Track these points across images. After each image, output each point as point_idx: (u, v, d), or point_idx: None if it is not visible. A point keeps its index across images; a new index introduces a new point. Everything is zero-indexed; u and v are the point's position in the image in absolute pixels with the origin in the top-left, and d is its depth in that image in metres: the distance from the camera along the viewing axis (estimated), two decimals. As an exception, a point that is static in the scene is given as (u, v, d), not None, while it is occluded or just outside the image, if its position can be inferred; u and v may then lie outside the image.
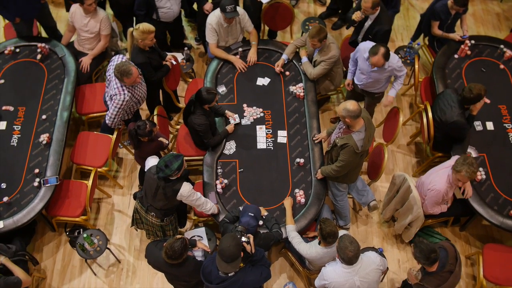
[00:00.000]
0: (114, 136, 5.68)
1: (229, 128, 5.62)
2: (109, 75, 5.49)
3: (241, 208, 4.99)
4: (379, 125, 6.53)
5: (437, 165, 5.28)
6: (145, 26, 5.45)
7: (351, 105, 4.65)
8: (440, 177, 5.01)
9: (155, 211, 4.91)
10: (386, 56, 5.41)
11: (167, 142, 5.42)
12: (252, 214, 4.57)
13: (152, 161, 4.89)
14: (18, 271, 4.79)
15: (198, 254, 4.60)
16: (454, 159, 5.07)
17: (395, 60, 5.56)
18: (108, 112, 5.52)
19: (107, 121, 5.55)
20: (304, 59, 6.08)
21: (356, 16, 5.94)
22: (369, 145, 4.88)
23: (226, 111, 5.73)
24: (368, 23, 6.02)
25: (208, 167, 5.44)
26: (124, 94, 5.36)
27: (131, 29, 5.59)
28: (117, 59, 5.47)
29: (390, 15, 6.33)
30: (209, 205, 4.93)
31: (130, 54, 5.78)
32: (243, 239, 4.26)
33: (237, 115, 5.76)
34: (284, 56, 6.14)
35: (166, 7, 6.31)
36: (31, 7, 6.31)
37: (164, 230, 5.13)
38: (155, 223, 5.02)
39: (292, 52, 6.18)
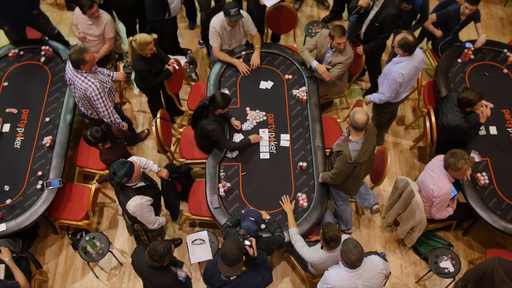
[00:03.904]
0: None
1: (252, 137, 5.52)
2: (69, 78, 5.39)
3: (243, 211, 5.00)
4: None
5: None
6: (142, 37, 5.48)
7: (359, 115, 4.62)
8: (442, 181, 5.00)
9: (126, 214, 4.90)
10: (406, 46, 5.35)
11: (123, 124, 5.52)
12: (253, 219, 4.57)
13: None
14: (19, 275, 4.79)
15: (181, 274, 4.54)
16: (438, 159, 5.09)
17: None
18: (100, 112, 5.46)
19: (107, 120, 5.50)
20: (314, 63, 6.00)
21: (364, 1, 5.90)
22: (364, 159, 4.79)
23: (232, 119, 5.71)
24: (374, 11, 5.97)
25: (211, 170, 5.44)
26: (93, 82, 5.28)
27: (130, 38, 5.60)
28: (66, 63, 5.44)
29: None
30: (155, 226, 4.90)
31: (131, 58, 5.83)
32: (246, 242, 4.26)
33: (240, 124, 5.74)
34: (314, 63, 5.99)
35: (174, 0, 6.39)
36: (20, 18, 6.33)
37: (136, 234, 5.15)
38: (129, 224, 5.06)
39: (310, 56, 6.10)
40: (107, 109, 5.45)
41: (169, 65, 5.92)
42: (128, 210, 4.61)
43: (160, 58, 5.91)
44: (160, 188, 5.18)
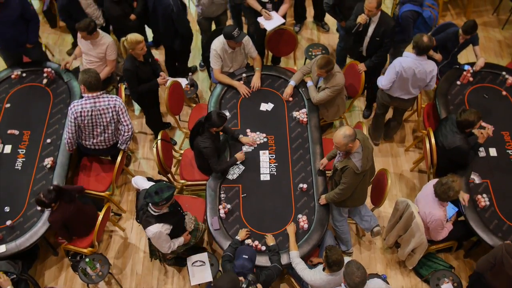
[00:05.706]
0: (119, 159, 5.68)
1: (239, 156, 5.57)
2: (90, 111, 5.36)
3: (239, 237, 5.00)
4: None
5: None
6: (132, 36, 5.61)
7: (347, 130, 4.69)
8: (433, 207, 5.01)
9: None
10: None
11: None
12: (247, 257, 4.56)
13: (144, 183, 4.90)
14: None
15: None
16: (431, 184, 5.09)
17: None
18: (126, 125, 5.55)
19: (131, 132, 5.60)
20: (310, 83, 6.11)
21: (362, 18, 5.97)
22: (369, 165, 4.88)
23: (241, 137, 5.74)
24: (372, 27, 6.06)
25: (212, 191, 5.44)
26: (115, 97, 5.46)
27: (123, 38, 5.70)
28: (75, 107, 5.38)
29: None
30: (168, 251, 4.90)
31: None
32: None
33: (250, 140, 5.77)
34: (292, 82, 6.16)
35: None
36: (13, 45, 6.36)
37: (152, 248, 5.20)
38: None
39: (300, 79, 6.20)
40: (130, 120, 5.58)
41: (161, 77, 6.02)
42: (146, 234, 4.69)
43: (153, 69, 6.00)
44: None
